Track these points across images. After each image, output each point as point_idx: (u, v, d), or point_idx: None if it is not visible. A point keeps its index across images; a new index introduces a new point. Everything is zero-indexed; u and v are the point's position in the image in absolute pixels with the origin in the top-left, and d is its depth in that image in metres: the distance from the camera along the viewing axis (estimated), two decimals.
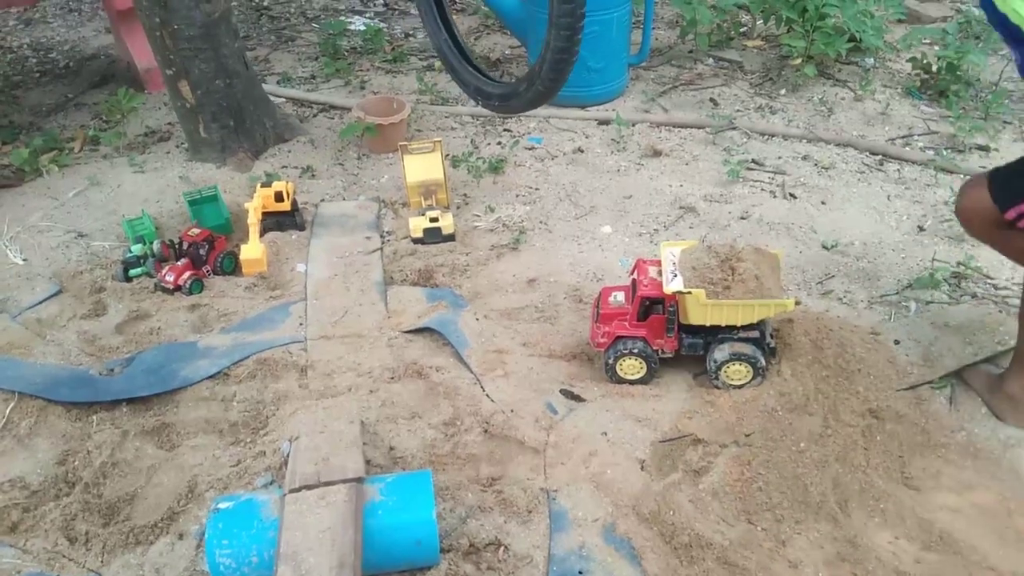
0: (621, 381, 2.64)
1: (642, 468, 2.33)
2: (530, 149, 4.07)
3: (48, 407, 2.58)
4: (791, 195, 3.64)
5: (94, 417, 2.58)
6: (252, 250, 3.21)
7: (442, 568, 2.02)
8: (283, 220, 3.45)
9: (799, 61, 4.55)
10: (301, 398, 2.59)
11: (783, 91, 4.55)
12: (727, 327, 2.52)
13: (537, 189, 3.75)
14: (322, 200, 3.69)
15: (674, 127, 4.23)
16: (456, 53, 3.49)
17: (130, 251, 3.24)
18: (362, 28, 5.49)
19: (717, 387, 2.58)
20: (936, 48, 4.75)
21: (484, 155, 3.97)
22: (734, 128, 4.16)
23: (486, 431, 2.46)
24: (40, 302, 3.07)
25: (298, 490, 1.96)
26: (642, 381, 2.63)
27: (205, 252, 3.18)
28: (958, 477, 2.34)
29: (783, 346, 2.65)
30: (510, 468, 2.35)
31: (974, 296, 2.97)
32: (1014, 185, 2.24)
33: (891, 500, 2.26)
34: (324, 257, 3.29)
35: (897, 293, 3.01)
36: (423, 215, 3.39)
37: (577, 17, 2.62)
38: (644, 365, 2.60)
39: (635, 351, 2.57)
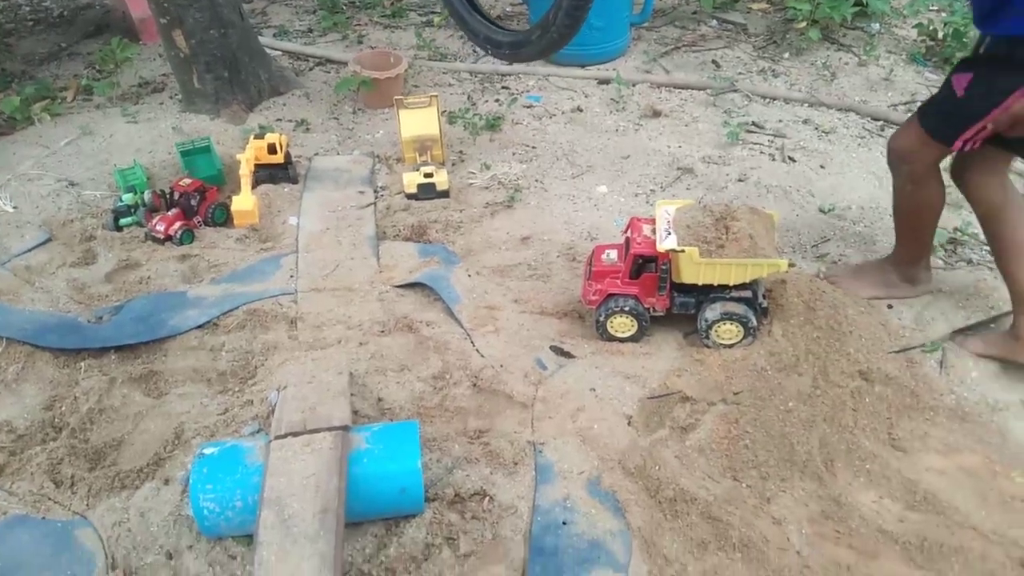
0: (612, 339, 2.63)
1: (629, 424, 2.33)
2: (528, 107, 4.02)
3: (36, 353, 2.58)
4: (790, 158, 3.60)
5: (82, 364, 2.57)
6: (244, 201, 3.19)
7: (427, 516, 2.02)
8: (276, 173, 3.42)
9: (804, 24, 4.49)
10: (290, 349, 2.58)
11: (786, 55, 4.49)
12: (719, 286, 2.51)
13: (534, 147, 3.71)
14: (316, 154, 3.65)
15: (675, 88, 4.18)
16: (464, 2, 3.44)
17: (121, 200, 3.21)
18: None
19: (707, 346, 2.57)
20: (943, 15, 4.69)
21: (481, 112, 3.92)
22: (735, 91, 4.11)
23: (475, 385, 2.46)
24: (29, 249, 3.06)
25: (284, 437, 1.95)
26: (632, 339, 2.62)
27: (196, 203, 3.15)
28: (945, 439, 2.34)
29: (775, 307, 2.64)
30: (498, 421, 2.34)
31: (969, 262, 2.95)
32: (953, 122, 2.36)
33: (877, 461, 2.27)
34: (316, 211, 3.27)
35: None
36: (418, 171, 3.36)
37: None
38: (635, 323, 2.59)
39: (626, 309, 2.55)
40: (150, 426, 2.35)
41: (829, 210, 3.26)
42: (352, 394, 2.25)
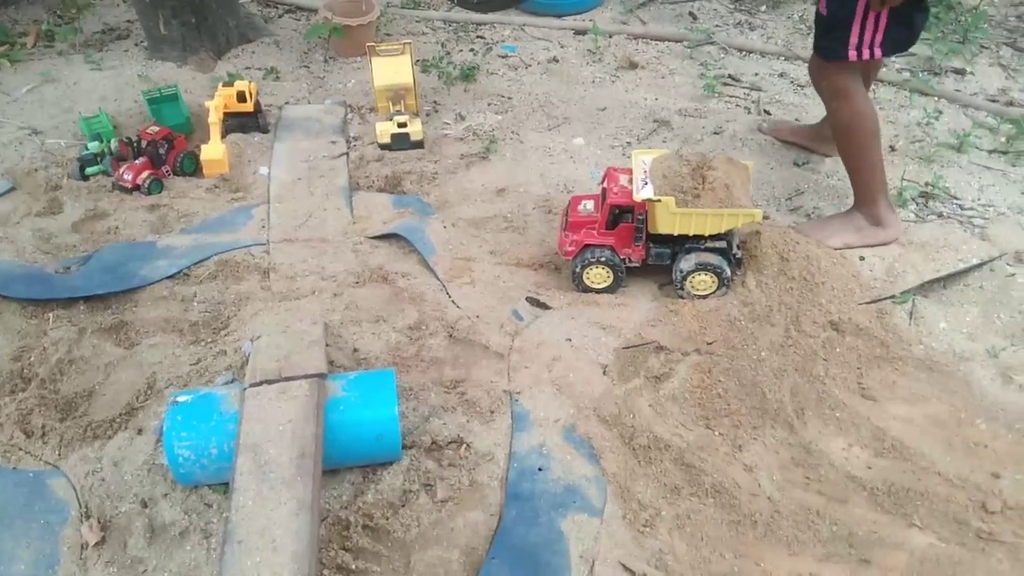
0: (587, 290, 2.63)
1: (604, 373, 2.34)
2: (504, 57, 3.97)
3: (2, 303, 2.53)
4: (766, 111, 3.60)
5: (50, 315, 2.52)
6: (213, 150, 3.12)
7: (404, 464, 2.03)
8: (246, 122, 3.35)
9: None
10: (263, 300, 2.56)
11: (763, 8, 4.46)
12: (694, 237, 2.51)
13: (510, 98, 3.67)
14: (286, 103, 3.58)
15: (651, 40, 4.14)
16: None
17: (87, 149, 3.12)
18: None
19: (682, 297, 2.59)
20: None
21: (456, 61, 3.86)
22: (712, 43, 4.08)
23: (451, 336, 2.45)
24: None
25: (259, 384, 1.94)
26: (608, 290, 2.63)
27: (164, 151, 3.08)
28: (913, 389, 2.38)
29: (749, 258, 2.65)
30: (474, 371, 2.35)
31: (940, 215, 2.98)
32: (833, 36, 2.59)
33: (847, 409, 2.31)
34: (288, 161, 3.21)
35: None
36: (391, 120, 3.30)
37: None
38: (611, 274, 2.59)
39: (602, 260, 2.55)
40: (121, 377, 2.32)
41: (803, 164, 3.27)
42: (327, 344, 2.24)
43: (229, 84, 3.32)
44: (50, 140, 3.30)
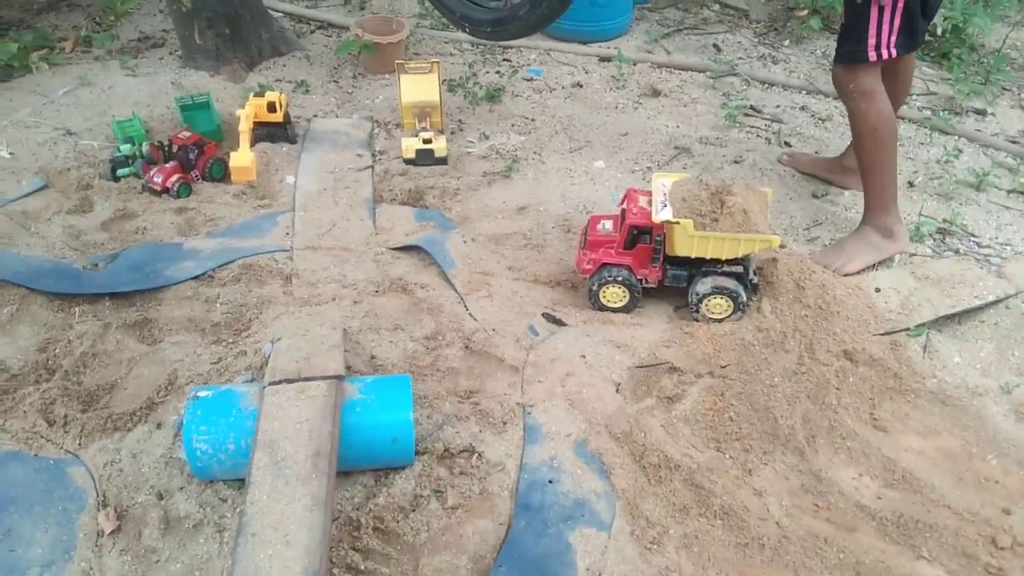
0: (603, 308, 2.66)
1: (617, 391, 2.36)
2: (529, 80, 4.03)
3: (30, 296, 2.58)
4: (786, 143, 3.64)
5: (76, 309, 2.58)
6: (242, 157, 3.19)
7: (416, 469, 2.06)
8: (275, 132, 3.42)
9: (805, 13, 4.52)
10: (285, 304, 2.60)
11: (787, 42, 4.52)
12: (711, 260, 2.54)
13: (533, 120, 3.73)
14: (315, 116, 3.65)
15: (675, 69, 4.20)
16: None
17: (119, 150, 3.20)
18: None
19: (697, 320, 2.61)
20: (942, 10, 4.71)
21: (482, 82, 3.93)
22: (735, 74, 4.14)
23: (467, 347, 2.49)
24: (26, 195, 3.05)
25: (278, 383, 1.98)
26: (624, 310, 2.66)
27: (194, 156, 3.15)
28: (925, 421, 2.39)
29: (765, 284, 2.68)
30: (488, 383, 2.37)
31: (956, 252, 3.00)
32: (851, 38, 2.75)
33: (858, 439, 2.32)
34: (314, 171, 3.27)
35: None
36: (416, 136, 3.36)
37: None
38: (627, 293, 2.62)
39: (619, 279, 2.59)
40: (143, 372, 2.37)
41: (822, 195, 3.30)
42: (346, 350, 2.27)
43: (260, 95, 3.39)
44: (84, 141, 3.38)
